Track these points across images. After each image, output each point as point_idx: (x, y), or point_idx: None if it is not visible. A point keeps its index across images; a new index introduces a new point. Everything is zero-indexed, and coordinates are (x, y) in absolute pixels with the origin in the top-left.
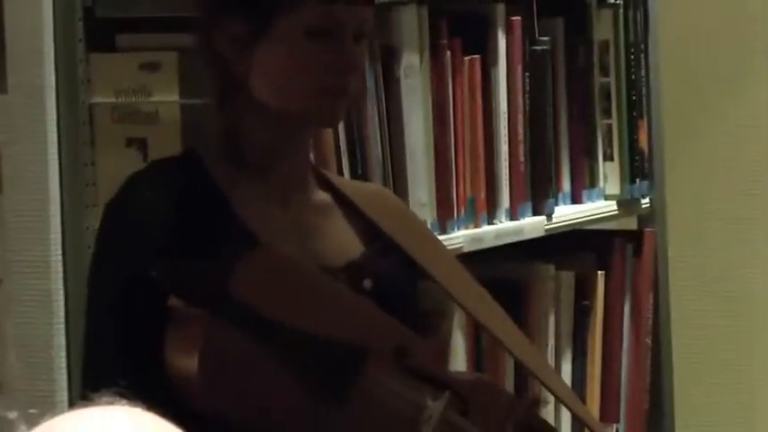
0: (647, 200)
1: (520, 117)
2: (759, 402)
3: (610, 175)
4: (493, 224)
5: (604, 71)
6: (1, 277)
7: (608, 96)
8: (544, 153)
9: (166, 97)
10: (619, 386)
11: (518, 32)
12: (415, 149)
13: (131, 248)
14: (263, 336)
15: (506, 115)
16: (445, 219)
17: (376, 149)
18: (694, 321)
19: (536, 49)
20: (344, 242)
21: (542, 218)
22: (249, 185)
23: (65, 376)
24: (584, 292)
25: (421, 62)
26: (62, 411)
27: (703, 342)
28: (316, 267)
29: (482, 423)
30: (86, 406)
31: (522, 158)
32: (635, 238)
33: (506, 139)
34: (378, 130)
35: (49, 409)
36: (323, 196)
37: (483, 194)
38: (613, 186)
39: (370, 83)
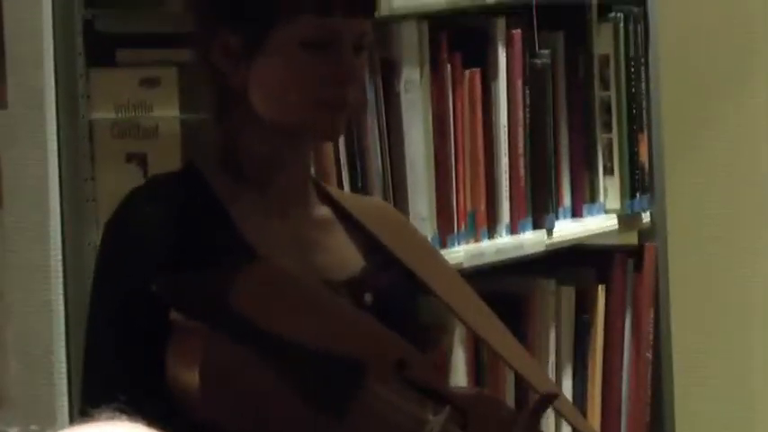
0: (647, 214)
1: (520, 131)
2: (760, 416)
3: (610, 189)
4: (493, 239)
5: (605, 85)
6: (1, 290)
7: (608, 110)
8: (544, 167)
9: (166, 112)
10: (620, 400)
11: (518, 46)
12: (415, 163)
13: (132, 263)
14: (263, 349)
15: (507, 129)
16: (445, 233)
17: (376, 163)
18: (695, 336)
19: (536, 63)
20: (345, 256)
21: (543, 233)
22: (249, 199)
23: (65, 387)
24: (584, 306)
25: (421, 76)
26: (63, 426)
27: (704, 356)
28: (316, 281)
29: None
30: (87, 422)
31: (522, 172)
32: (636, 252)
33: (506, 152)
34: (378, 144)
35: (50, 423)
36: (323, 210)
37: (483, 209)
38: (614, 201)
39: (370, 97)
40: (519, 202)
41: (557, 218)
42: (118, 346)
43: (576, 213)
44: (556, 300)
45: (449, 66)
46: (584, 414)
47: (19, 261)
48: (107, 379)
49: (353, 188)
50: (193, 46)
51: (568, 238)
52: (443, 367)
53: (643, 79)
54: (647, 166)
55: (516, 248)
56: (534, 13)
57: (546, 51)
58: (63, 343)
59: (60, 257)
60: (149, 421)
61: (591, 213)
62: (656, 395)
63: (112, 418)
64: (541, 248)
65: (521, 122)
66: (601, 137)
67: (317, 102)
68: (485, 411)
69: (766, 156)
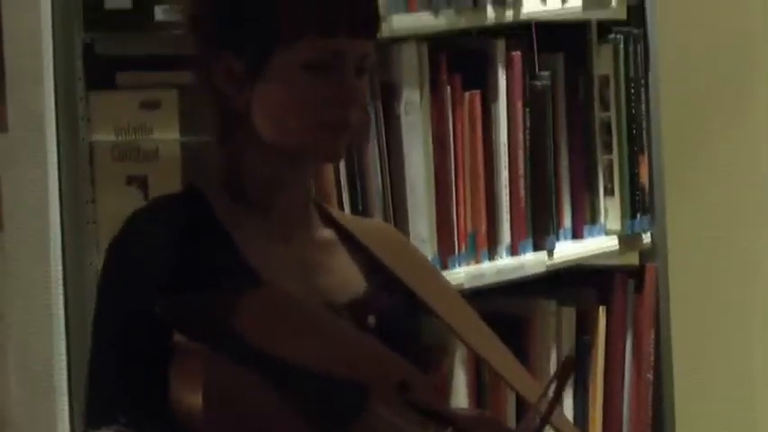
0: (648, 235)
1: (520, 152)
2: None
3: (611, 210)
4: (494, 260)
5: (605, 106)
6: (2, 312)
7: (608, 131)
8: (545, 188)
9: (167, 135)
10: (621, 422)
11: (518, 67)
12: (415, 185)
13: (135, 285)
14: (266, 372)
15: (507, 150)
16: (446, 255)
17: (376, 185)
18: (696, 357)
19: (536, 84)
20: (348, 278)
21: (543, 254)
22: (251, 221)
23: (66, 409)
24: (585, 327)
25: (421, 98)
26: None
27: (705, 377)
28: (319, 304)
29: None
30: None
31: (522, 194)
32: (636, 273)
33: (507, 174)
34: (378, 166)
35: None
36: (326, 232)
37: (484, 230)
38: (614, 222)
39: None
40: (519, 223)
41: (557, 239)
42: (120, 368)
43: (576, 234)
44: (557, 320)
45: (449, 87)
46: None
47: (20, 284)
48: (109, 400)
49: (354, 210)
50: (196, 69)
51: (569, 258)
52: (445, 388)
53: (643, 100)
54: (647, 186)
55: (517, 269)
56: (534, 34)
57: (546, 73)
58: (64, 364)
59: (61, 280)
60: None
61: (591, 234)
62: (657, 416)
63: None
64: (542, 269)
65: (521, 144)
66: (601, 158)
67: (320, 124)
68: None
69: (766, 176)
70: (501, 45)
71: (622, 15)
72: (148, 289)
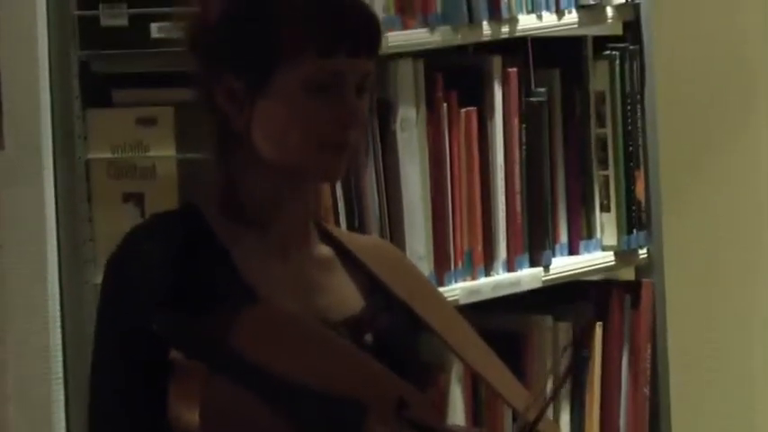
0: (644, 250)
1: (516, 169)
2: None
3: (607, 225)
4: (490, 276)
5: (601, 122)
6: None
7: (604, 147)
8: (541, 204)
9: (163, 152)
10: None
11: (514, 84)
12: (411, 202)
13: (133, 302)
14: (264, 390)
15: (503, 167)
16: (442, 271)
17: (373, 202)
18: (693, 372)
19: (532, 101)
20: (346, 296)
21: (539, 269)
22: (249, 239)
23: (63, 428)
24: (581, 342)
25: (417, 115)
26: None
27: (702, 393)
28: (317, 321)
29: None
30: None
31: (518, 210)
32: (633, 288)
33: (503, 190)
34: (374, 183)
35: None
36: (324, 250)
37: (480, 246)
38: (610, 237)
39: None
40: (516, 238)
41: (553, 254)
42: (119, 384)
43: (572, 250)
44: (553, 336)
45: (445, 104)
46: None
47: (17, 302)
48: (108, 417)
49: (350, 226)
50: (197, 88)
51: (565, 274)
52: (441, 405)
53: (639, 116)
54: (643, 202)
55: (513, 285)
56: (530, 50)
57: (542, 89)
58: (61, 381)
59: (58, 297)
60: None
61: (588, 250)
62: (653, 431)
63: None
64: (538, 285)
65: (517, 160)
66: (597, 173)
67: (320, 144)
68: None
69: (763, 191)
70: (497, 61)
71: (618, 31)
72: (147, 306)
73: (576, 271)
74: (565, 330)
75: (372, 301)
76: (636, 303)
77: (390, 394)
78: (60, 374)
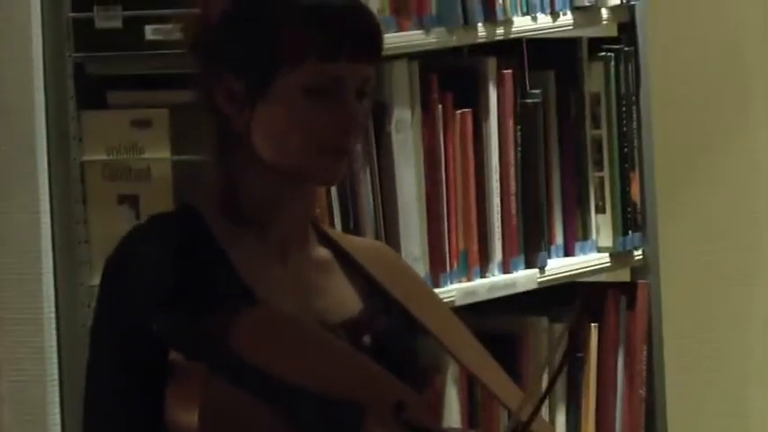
0: (639, 252)
1: (511, 170)
2: None
3: (602, 227)
4: (485, 277)
5: (596, 123)
6: None
7: (600, 149)
8: (536, 206)
9: (158, 154)
10: None
11: (509, 85)
12: (406, 204)
13: (131, 303)
14: (263, 391)
15: (498, 168)
16: (438, 272)
17: (368, 204)
18: (688, 373)
19: (527, 102)
20: (344, 298)
21: (535, 271)
22: (248, 241)
23: None
24: (577, 344)
25: (412, 117)
26: None
27: (698, 394)
28: (315, 323)
29: None
30: None
31: (514, 211)
32: (628, 290)
33: (498, 192)
34: (369, 185)
35: None
36: (323, 252)
37: (475, 248)
38: (606, 238)
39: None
40: (511, 240)
41: (549, 256)
42: (117, 385)
43: (568, 251)
44: (549, 337)
45: (440, 106)
46: None
47: (11, 303)
48: (105, 418)
49: (345, 228)
50: (197, 88)
51: (561, 275)
52: (437, 406)
53: (634, 117)
54: (638, 203)
55: (509, 286)
56: (525, 52)
57: (537, 91)
58: (56, 381)
59: (53, 300)
60: None
61: (583, 251)
62: None
63: None
64: (534, 286)
65: (512, 161)
66: (592, 175)
67: (319, 147)
68: None
69: (758, 192)
70: (492, 63)
71: (613, 33)
72: (145, 307)
73: (572, 272)
74: (560, 332)
75: (370, 303)
76: (631, 305)
77: (388, 396)
78: (55, 376)
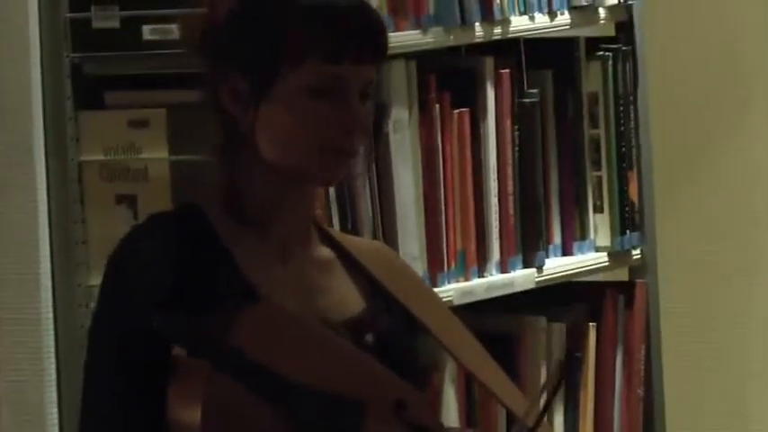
0: (637, 251)
1: (509, 170)
2: None
3: (600, 226)
4: (483, 277)
5: (594, 123)
6: None
7: (597, 148)
8: (534, 205)
9: (155, 154)
10: None
11: (507, 85)
12: (404, 204)
13: (135, 301)
14: (264, 388)
15: (496, 168)
16: (435, 272)
17: (366, 204)
18: (687, 372)
19: (525, 102)
20: (346, 297)
21: (533, 270)
22: (251, 239)
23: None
24: (575, 343)
25: (410, 116)
26: None
27: (696, 393)
28: (317, 321)
29: None
30: None
31: (511, 211)
32: (626, 289)
33: (496, 191)
34: (367, 185)
35: None
36: (325, 251)
37: (473, 247)
38: (604, 238)
39: None
40: (509, 240)
41: (547, 255)
42: (118, 385)
43: (566, 251)
44: (547, 337)
45: (437, 106)
46: None
47: (9, 304)
48: (104, 417)
49: (343, 228)
50: (202, 87)
51: (559, 274)
52: (435, 406)
53: (632, 117)
54: (636, 203)
55: (506, 286)
56: (522, 52)
57: (535, 90)
58: (54, 379)
59: (51, 300)
60: None
61: (581, 251)
62: (647, 431)
63: None
64: (531, 285)
65: (510, 161)
66: (590, 174)
67: (322, 148)
68: None
69: (756, 192)
70: (489, 63)
71: (611, 32)
72: (148, 304)
73: (570, 272)
74: (558, 331)
75: (372, 302)
76: (629, 304)
77: (390, 394)
78: (53, 377)
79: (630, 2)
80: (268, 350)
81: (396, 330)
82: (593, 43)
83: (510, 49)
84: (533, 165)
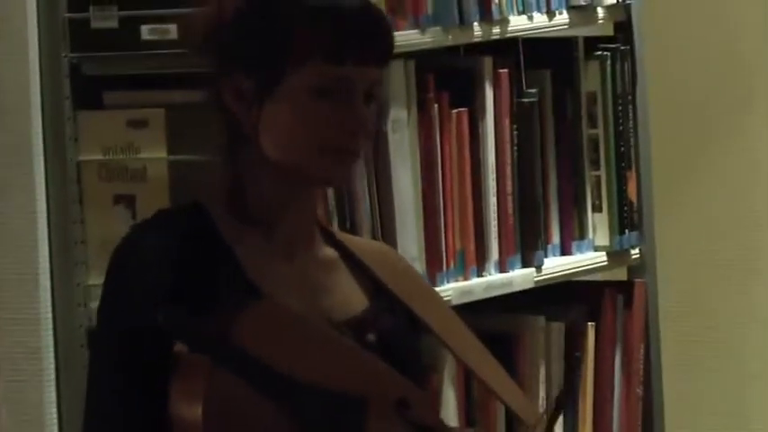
0: (636, 251)
1: (508, 169)
2: None
3: (599, 226)
4: (482, 276)
5: (592, 123)
6: None
7: (596, 148)
8: (533, 205)
9: (154, 154)
10: None
11: (505, 85)
12: (403, 203)
13: (138, 297)
14: (267, 385)
15: (494, 168)
16: (434, 272)
17: (364, 204)
18: (686, 372)
19: (523, 102)
20: (349, 297)
21: (532, 270)
22: (254, 238)
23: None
24: (574, 343)
25: (408, 116)
26: None
27: (696, 393)
28: (320, 320)
29: None
30: None
31: (510, 211)
32: (625, 288)
33: (495, 191)
34: (366, 185)
35: None
36: (328, 251)
37: (472, 247)
38: (603, 237)
39: None
40: (508, 239)
41: (546, 255)
42: (121, 380)
43: (565, 250)
44: (546, 336)
45: (436, 105)
46: None
47: (8, 304)
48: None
49: (342, 228)
50: (206, 86)
51: (558, 274)
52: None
53: (631, 117)
54: (635, 202)
55: (505, 285)
56: (521, 51)
57: (533, 90)
58: (53, 376)
59: (50, 300)
60: None
61: (580, 250)
62: (646, 431)
63: None
64: (530, 285)
65: (509, 161)
66: (589, 174)
67: (327, 149)
68: None
69: (756, 191)
70: (488, 62)
71: (609, 32)
72: (150, 299)
73: (569, 271)
74: (557, 331)
75: (375, 302)
76: (628, 303)
77: (392, 392)
78: (52, 376)
79: (629, 1)
80: (270, 347)
81: (398, 330)
82: (592, 43)
83: (508, 49)
84: (532, 164)
